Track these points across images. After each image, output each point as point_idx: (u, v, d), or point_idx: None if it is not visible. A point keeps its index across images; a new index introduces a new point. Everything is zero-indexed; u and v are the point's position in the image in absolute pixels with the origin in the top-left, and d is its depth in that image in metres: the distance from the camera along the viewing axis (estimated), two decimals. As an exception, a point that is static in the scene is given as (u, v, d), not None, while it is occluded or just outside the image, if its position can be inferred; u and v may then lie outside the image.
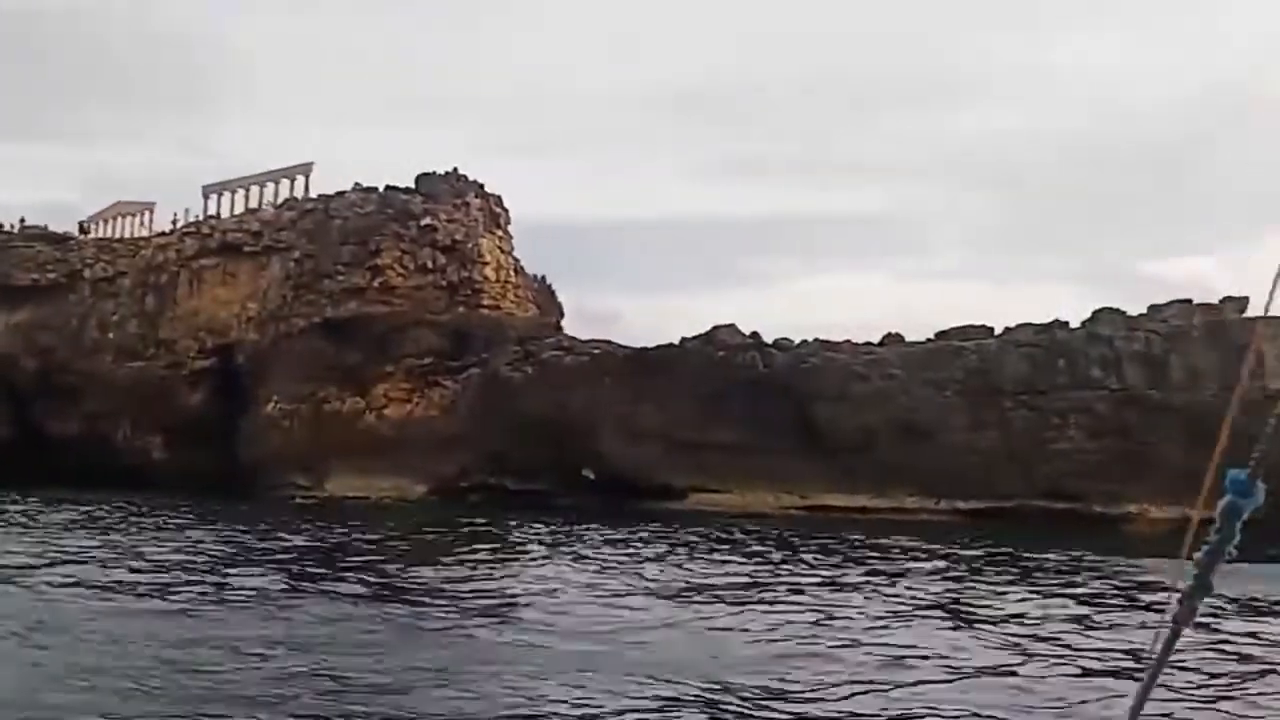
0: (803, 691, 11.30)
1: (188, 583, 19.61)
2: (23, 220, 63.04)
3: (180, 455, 54.35)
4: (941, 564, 24.32)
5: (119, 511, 36.84)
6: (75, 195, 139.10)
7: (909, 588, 19.82)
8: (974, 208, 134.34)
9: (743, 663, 12.69)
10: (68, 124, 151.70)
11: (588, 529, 32.78)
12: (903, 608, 17.27)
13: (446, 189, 51.88)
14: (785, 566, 24.17)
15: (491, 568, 23.42)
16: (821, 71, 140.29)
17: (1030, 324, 43.43)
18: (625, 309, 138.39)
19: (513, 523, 34.52)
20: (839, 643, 14.03)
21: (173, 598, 17.51)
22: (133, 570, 21.45)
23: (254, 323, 54.07)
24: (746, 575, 22.01)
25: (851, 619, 15.96)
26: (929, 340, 44.83)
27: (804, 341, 44.64)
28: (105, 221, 64.44)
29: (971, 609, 17.42)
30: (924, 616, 16.49)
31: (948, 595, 19.01)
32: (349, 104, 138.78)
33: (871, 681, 11.60)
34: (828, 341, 44.79)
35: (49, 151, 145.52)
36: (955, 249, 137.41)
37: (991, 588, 20.34)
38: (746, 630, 14.97)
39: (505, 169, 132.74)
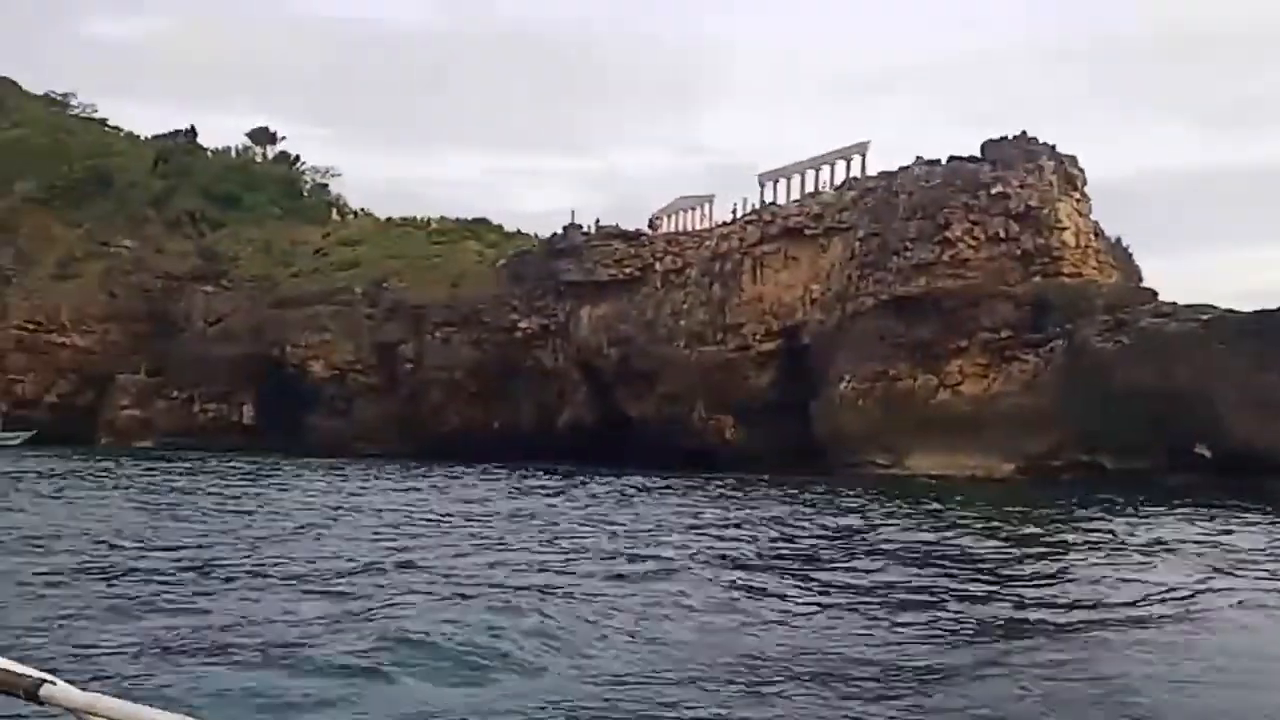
0: None
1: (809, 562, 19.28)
2: (598, 221, 68.83)
3: (751, 434, 56.47)
4: None
5: (724, 487, 38.36)
6: (591, 198, 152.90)
7: None
8: None
9: None
10: (573, 133, 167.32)
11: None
12: None
13: (1017, 154, 49.42)
14: None
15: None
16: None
17: None
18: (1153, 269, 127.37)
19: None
20: None
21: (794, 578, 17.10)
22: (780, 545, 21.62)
23: (818, 304, 54.86)
24: None
25: None
26: None
27: None
28: (669, 216, 68.64)
29: None
30: None
31: None
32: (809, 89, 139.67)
33: None
34: None
35: (560, 161, 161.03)
36: None
37: None
38: None
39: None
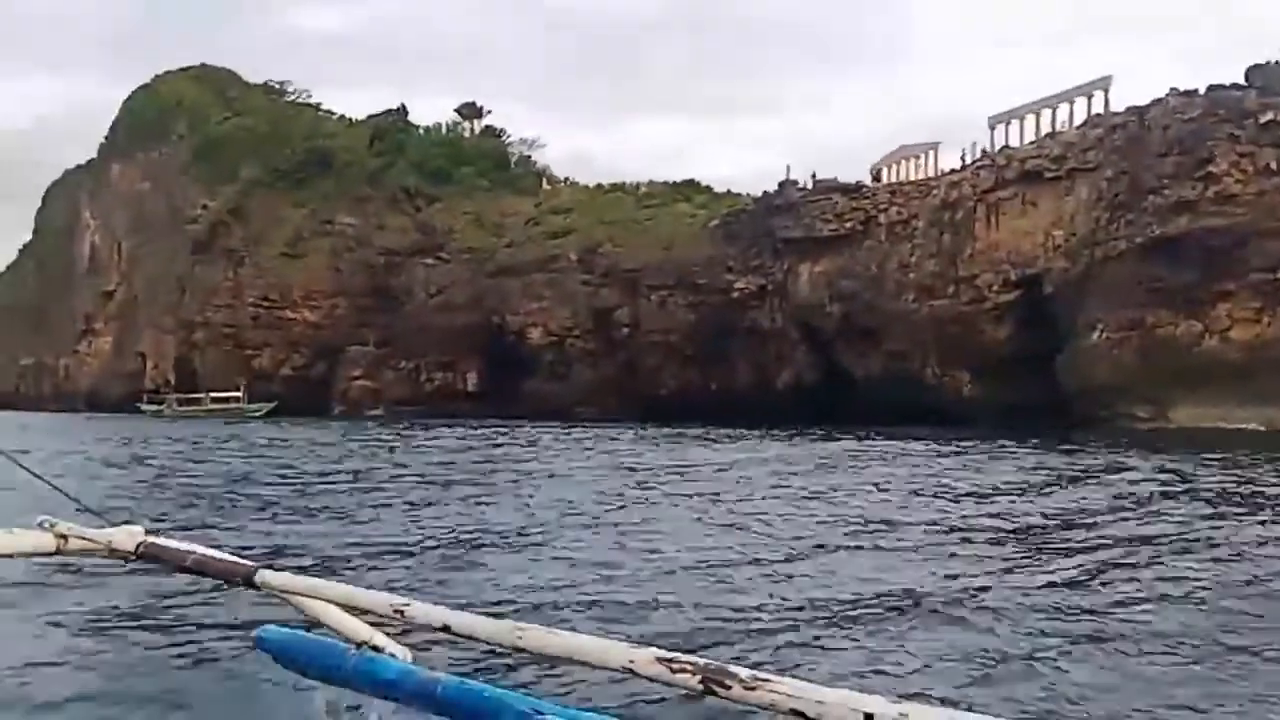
0: None
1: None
2: (814, 175, 67.15)
3: (991, 390, 54.13)
4: None
5: (1002, 447, 36.03)
6: (779, 161, 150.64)
7: None
8: None
9: None
10: (766, 94, 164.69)
11: None
12: None
13: (1289, 77, 45.49)
14: None
15: None
16: None
17: None
18: None
19: None
20: None
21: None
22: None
23: (1062, 250, 51.96)
24: None
25: None
26: None
27: None
28: (889, 166, 66.45)
29: None
30: None
31: None
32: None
33: None
34: None
35: (755, 123, 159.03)
36: None
37: None
38: None
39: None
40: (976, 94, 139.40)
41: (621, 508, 17.37)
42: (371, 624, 2.15)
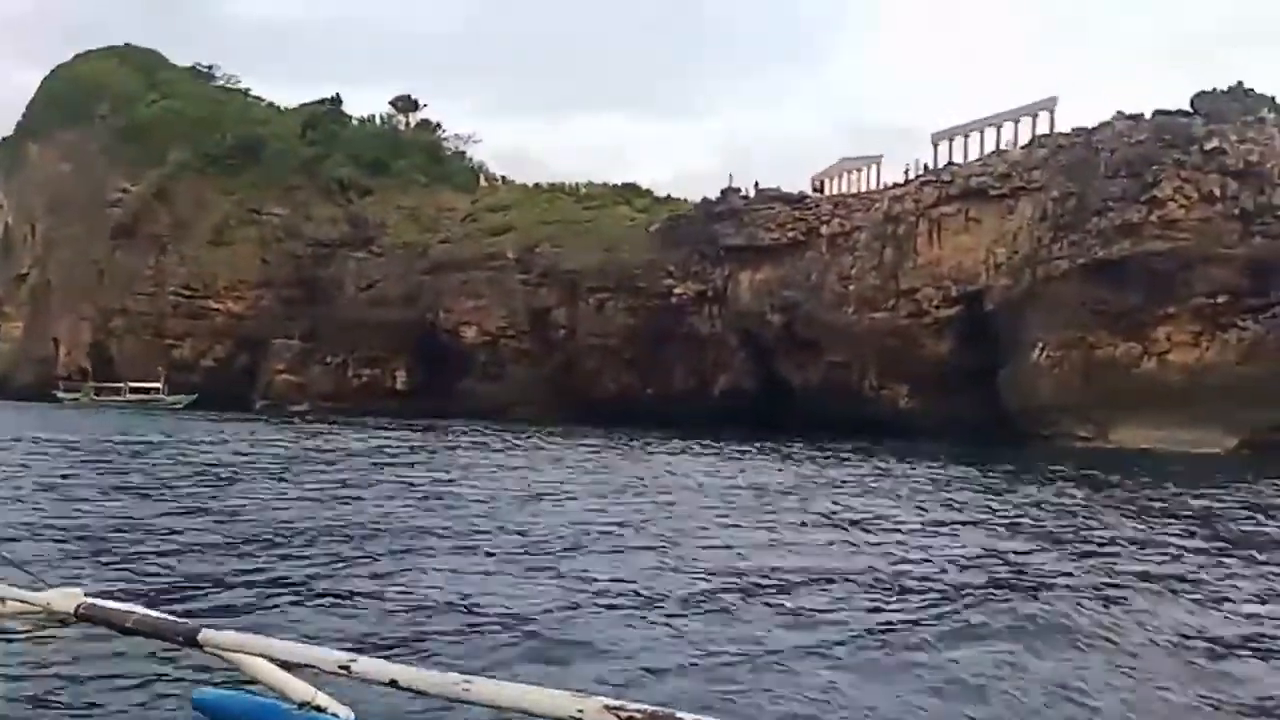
0: None
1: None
2: (757, 184, 66.87)
3: (929, 403, 54.21)
4: None
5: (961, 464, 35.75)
6: (712, 163, 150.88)
7: None
8: None
9: None
10: (694, 98, 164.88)
11: None
12: None
13: (1234, 107, 46.17)
14: None
15: None
16: None
17: None
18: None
19: None
20: None
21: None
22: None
23: (1004, 268, 52.20)
24: None
25: None
26: None
27: None
28: (830, 179, 66.35)
29: None
30: None
31: None
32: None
33: None
34: None
35: (680, 126, 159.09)
36: None
37: None
38: None
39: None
40: (935, 106, 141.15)
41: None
42: (318, 679, 2.07)
